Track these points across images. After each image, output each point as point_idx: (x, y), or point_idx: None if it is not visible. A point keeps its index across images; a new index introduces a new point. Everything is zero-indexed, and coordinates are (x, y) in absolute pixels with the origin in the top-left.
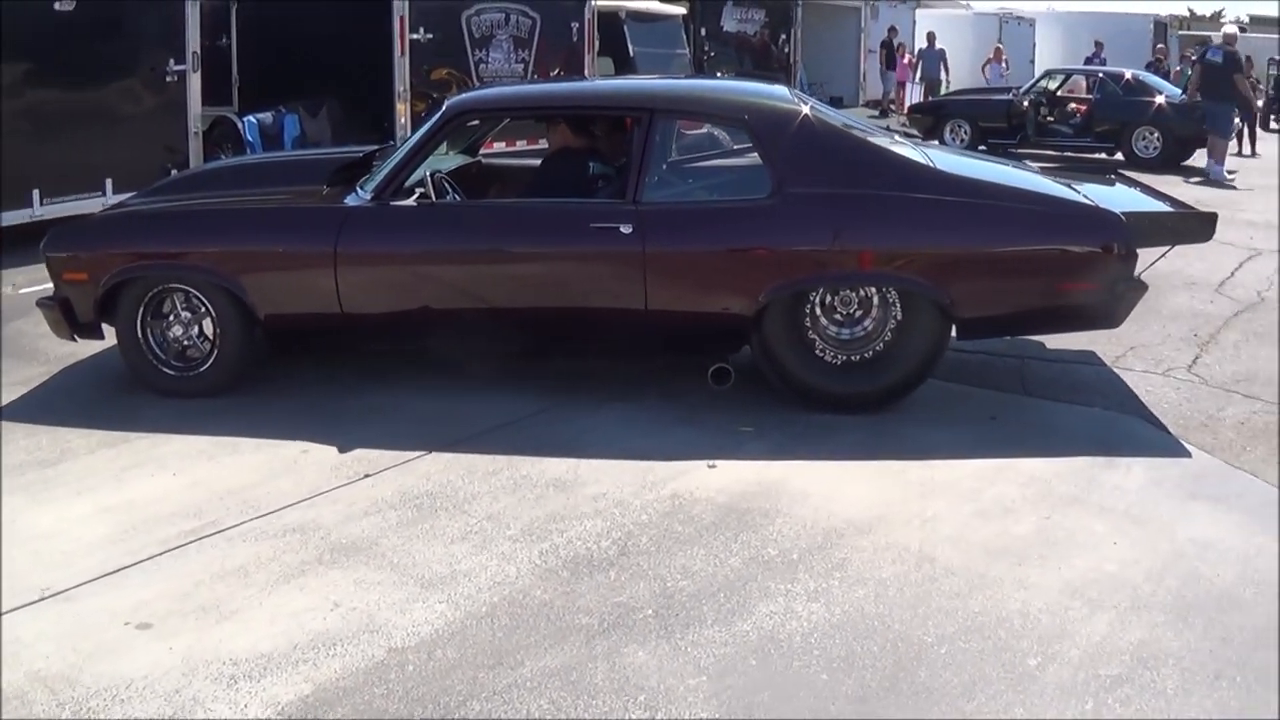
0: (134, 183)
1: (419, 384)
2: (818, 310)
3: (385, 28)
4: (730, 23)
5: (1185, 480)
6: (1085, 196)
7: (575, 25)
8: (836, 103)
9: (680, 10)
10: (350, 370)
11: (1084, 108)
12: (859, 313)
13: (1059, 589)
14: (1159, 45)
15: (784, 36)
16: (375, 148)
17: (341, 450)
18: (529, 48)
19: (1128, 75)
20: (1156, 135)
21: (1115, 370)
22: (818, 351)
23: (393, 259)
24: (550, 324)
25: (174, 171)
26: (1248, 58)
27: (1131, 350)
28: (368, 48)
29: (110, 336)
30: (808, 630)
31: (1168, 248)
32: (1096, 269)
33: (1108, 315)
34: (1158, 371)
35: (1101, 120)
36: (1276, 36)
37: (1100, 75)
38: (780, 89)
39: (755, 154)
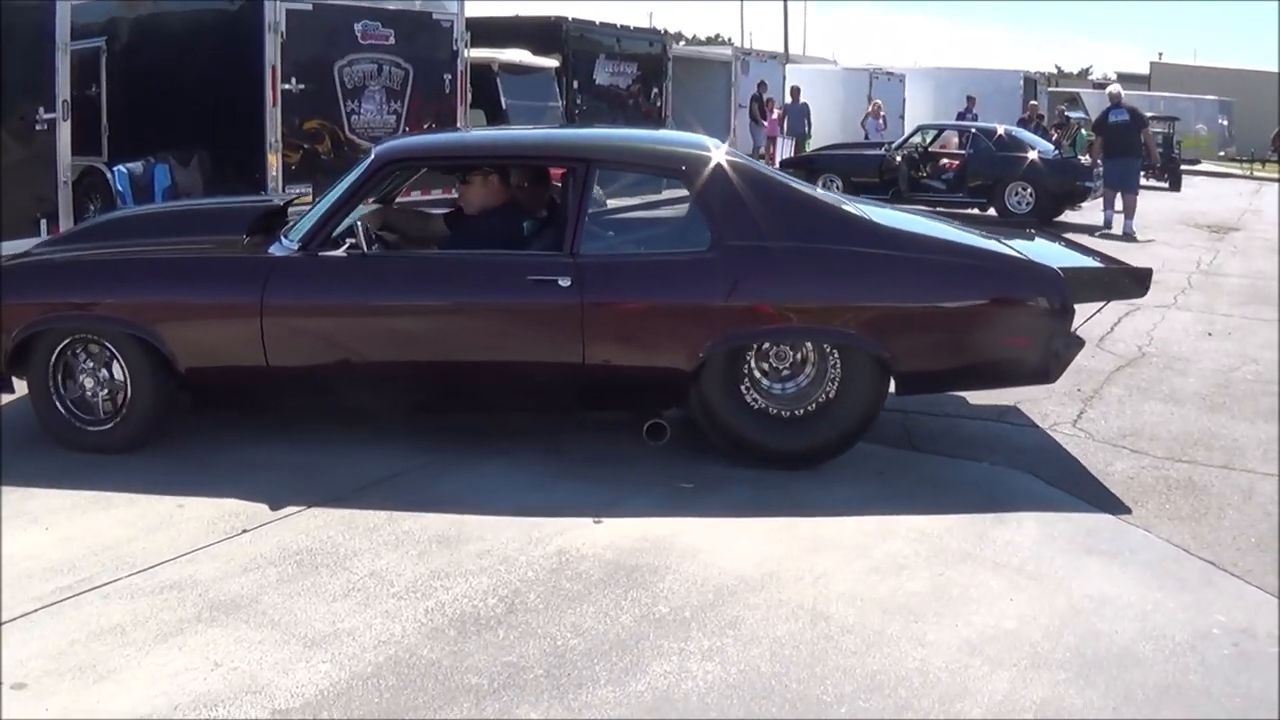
0: (2, 233)
1: (295, 437)
2: (755, 365)
3: (256, 77)
4: (602, 76)
5: (1078, 535)
6: (1019, 252)
7: (448, 77)
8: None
9: (553, 63)
10: (224, 423)
11: (956, 163)
12: (797, 368)
13: (957, 646)
14: (1032, 102)
15: (655, 90)
16: (293, 196)
17: (218, 505)
18: (401, 99)
19: (1000, 130)
20: (1029, 191)
21: (1001, 425)
22: (756, 407)
23: (322, 311)
24: (485, 378)
25: (44, 222)
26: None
27: (1016, 404)
28: (239, 97)
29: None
30: (704, 690)
31: (1102, 304)
32: (1034, 324)
33: (1044, 371)
34: (1043, 426)
35: (974, 175)
36: (1144, 93)
37: (973, 130)
38: (708, 139)
39: (692, 206)
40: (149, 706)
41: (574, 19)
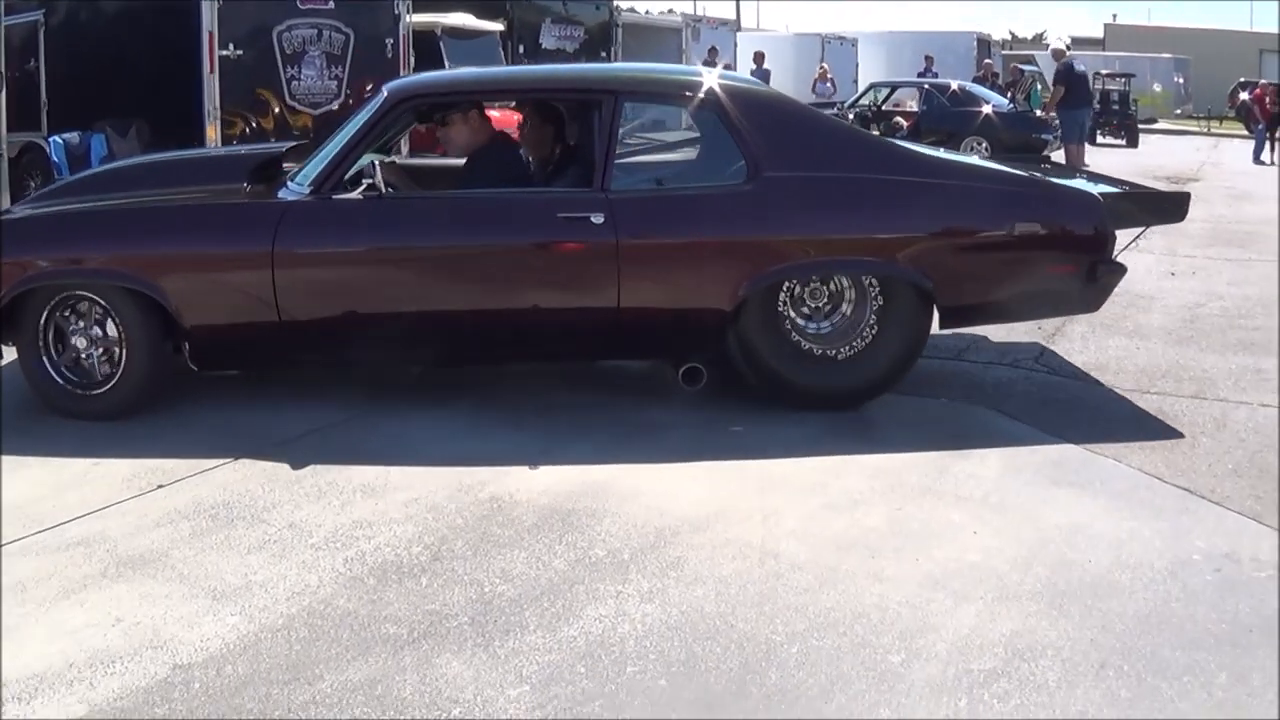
0: None
1: (217, 393)
2: (795, 302)
3: (194, 44)
4: (549, 40)
5: (1044, 467)
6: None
7: (390, 41)
8: (659, 124)
9: (498, 27)
10: None
11: (910, 120)
12: (837, 304)
13: (918, 581)
14: (985, 60)
15: (604, 55)
16: (293, 144)
17: (134, 463)
18: (343, 64)
19: (954, 86)
20: (985, 145)
21: (960, 363)
22: (799, 346)
23: (337, 258)
24: (514, 326)
25: None
26: None
27: (975, 344)
28: (177, 65)
29: None
30: (642, 633)
31: (1142, 229)
32: (1077, 251)
33: (1087, 299)
34: (1004, 363)
35: (929, 131)
36: (1099, 54)
37: (926, 86)
38: (735, 73)
39: (723, 137)
40: (42, 664)
41: None
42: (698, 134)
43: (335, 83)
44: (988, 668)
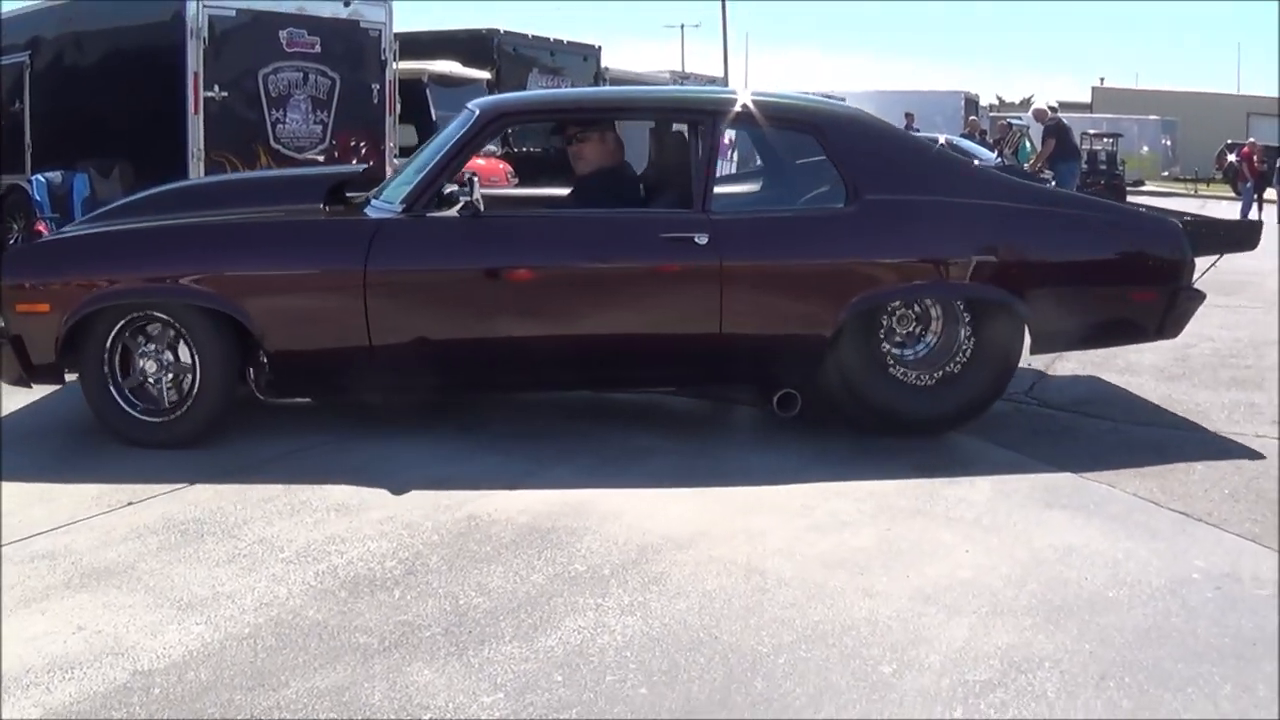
0: None
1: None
2: (890, 326)
3: (179, 85)
4: (535, 89)
5: (1036, 492)
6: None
7: (376, 87)
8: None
9: (485, 75)
10: None
11: None
12: (925, 328)
13: (909, 596)
14: (971, 118)
15: None
16: (367, 165)
17: (105, 480)
18: (328, 109)
19: (942, 140)
20: None
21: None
22: (894, 372)
23: (433, 278)
24: (616, 350)
25: None
26: None
27: None
28: (162, 106)
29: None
30: (622, 644)
31: (1217, 257)
32: (1161, 278)
33: (1168, 325)
34: None
35: None
36: (1087, 116)
37: None
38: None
39: (825, 160)
40: None
41: (506, 31)
42: (793, 156)
43: (320, 128)
44: (983, 679)
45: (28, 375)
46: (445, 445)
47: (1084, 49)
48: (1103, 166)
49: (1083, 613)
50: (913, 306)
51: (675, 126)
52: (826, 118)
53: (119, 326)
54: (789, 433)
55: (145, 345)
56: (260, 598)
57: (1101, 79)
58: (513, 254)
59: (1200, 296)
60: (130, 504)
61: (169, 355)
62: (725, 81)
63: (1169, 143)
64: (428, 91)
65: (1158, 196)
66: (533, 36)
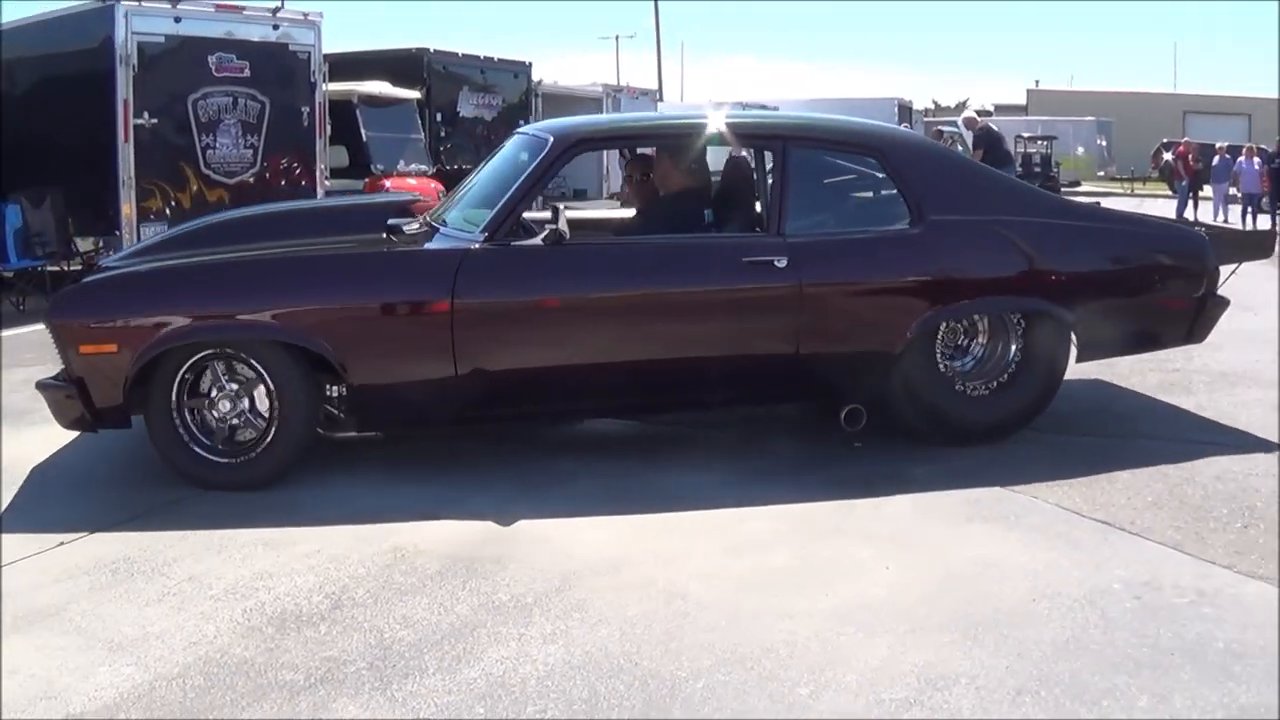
0: None
1: (127, 452)
2: (948, 340)
3: (109, 113)
4: (466, 108)
5: (957, 506)
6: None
7: (306, 109)
8: (580, 195)
9: (415, 95)
10: (38, 436)
11: None
12: (972, 339)
13: (827, 616)
14: (903, 125)
15: (521, 123)
16: (414, 197)
17: (36, 521)
18: (258, 132)
19: None
20: None
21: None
22: (954, 384)
23: (521, 307)
24: (701, 372)
25: None
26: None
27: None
28: (92, 134)
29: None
30: (543, 674)
31: (1236, 265)
32: (1191, 286)
33: (1196, 331)
34: None
35: None
36: (1022, 119)
37: None
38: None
39: (885, 183)
40: None
41: (436, 50)
42: (856, 179)
43: (251, 151)
44: (899, 697)
45: (92, 419)
46: (369, 477)
47: (1019, 52)
48: (1037, 169)
49: (1000, 627)
50: (963, 321)
51: (742, 151)
52: (888, 140)
53: (185, 366)
54: (709, 454)
55: (220, 383)
56: (189, 637)
57: (1036, 81)
58: (599, 281)
59: (1225, 303)
60: (62, 544)
61: (243, 393)
62: (660, 93)
63: (1104, 143)
64: (358, 112)
65: (1094, 196)
66: (463, 55)
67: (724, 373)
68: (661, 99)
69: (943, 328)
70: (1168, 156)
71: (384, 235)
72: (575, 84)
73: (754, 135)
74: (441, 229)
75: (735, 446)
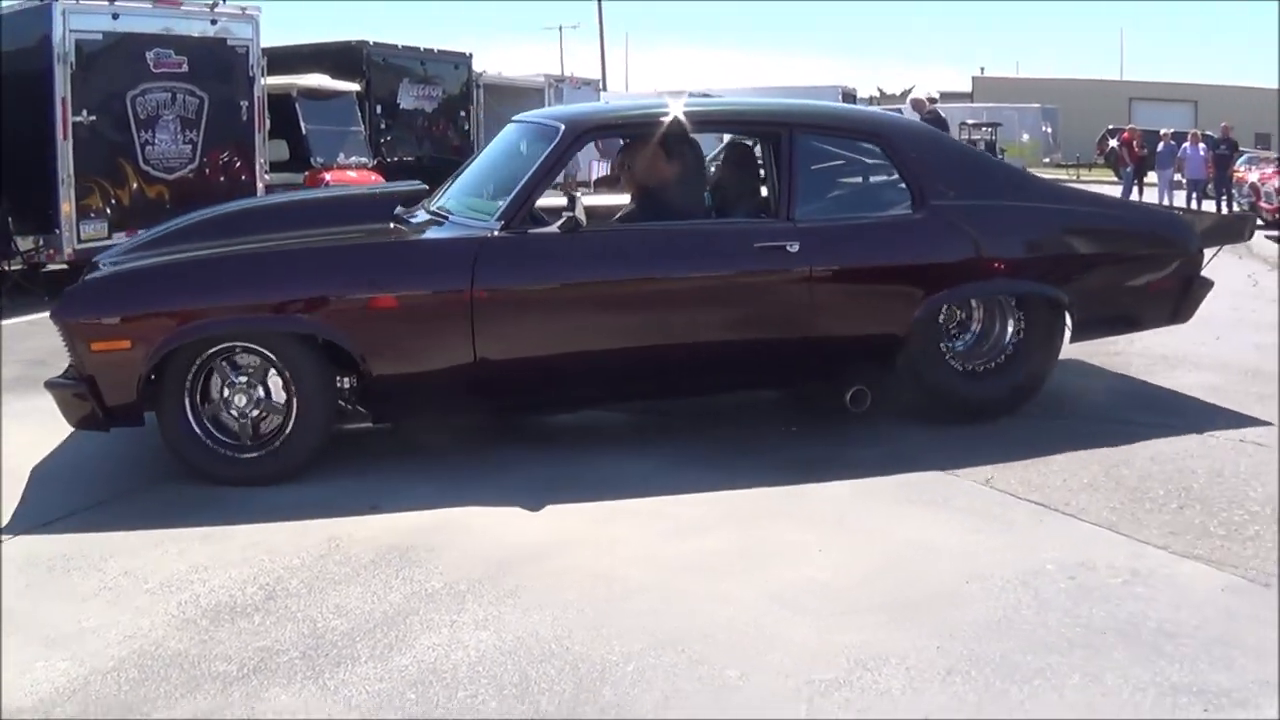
0: None
1: (61, 447)
2: (950, 322)
3: (47, 111)
4: (407, 100)
5: (895, 489)
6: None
7: (245, 104)
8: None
9: (354, 87)
10: None
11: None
12: (968, 321)
13: (760, 599)
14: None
15: (463, 114)
16: (417, 185)
17: None
18: (197, 128)
19: None
20: None
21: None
22: (955, 364)
23: (539, 294)
24: (715, 357)
25: None
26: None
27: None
28: (31, 133)
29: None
30: (475, 660)
31: (1216, 249)
32: (1179, 268)
33: (1182, 311)
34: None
35: None
36: (968, 105)
37: None
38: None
39: (887, 169)
40: None
41: (375, 42)
42: (859, 165)
43: (190, 147)
44: (829, 678)
45: (105, 417)
46: (307, 470)
47: (965, 39)
48: None
49: (933, 608)
50: (981, 301)
51: (744, 139)
52: (890, 126)
53: (199, 361)
54: (646, 441)
55: (234, 377)
56: (124, 631)
57: (982, 69)
58: (616, 267)
59: (1209, 284)
60: None
61: (251, 385)
62: (602, 83)
63: (1049, 129)
64: (297, 106)
65: None
66: (402, 47)
67: (738, 358)
68: (605, 89)
69: (945, 310)
70: (1113, 143)
71: (390, 225)
72: (518, 74)
73: (761, 122)
74: (451, 218)
75: (673, 433)
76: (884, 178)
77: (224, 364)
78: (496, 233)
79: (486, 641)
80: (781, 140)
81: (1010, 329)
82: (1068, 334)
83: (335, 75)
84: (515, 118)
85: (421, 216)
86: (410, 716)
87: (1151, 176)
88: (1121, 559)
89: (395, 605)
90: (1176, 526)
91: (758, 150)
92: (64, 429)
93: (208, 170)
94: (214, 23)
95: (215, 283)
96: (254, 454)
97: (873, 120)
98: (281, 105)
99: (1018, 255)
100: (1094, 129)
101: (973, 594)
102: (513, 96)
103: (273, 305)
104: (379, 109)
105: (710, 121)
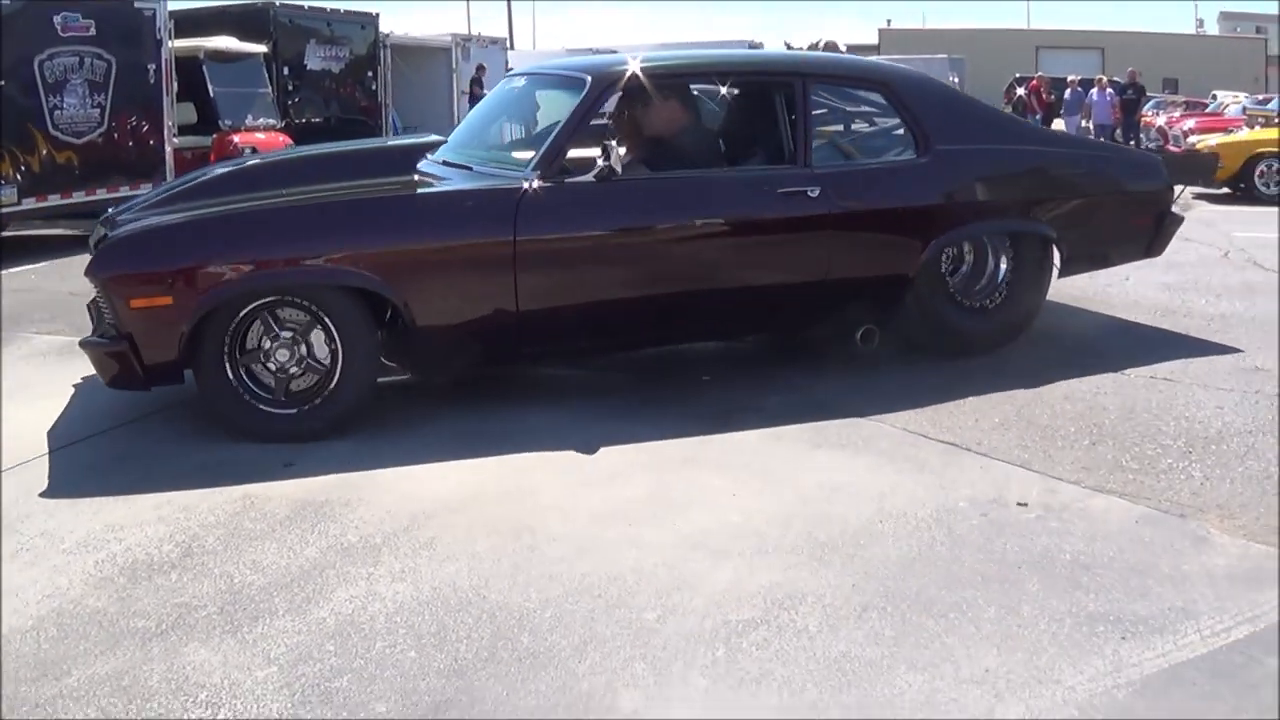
0: None
1: None
2: (952, 261)
3: None
4: (314, 61)
5: (807, 434)
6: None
7: (152, 67)
8: (411, 132)
9: (261, 49)
10: None
11: None
12: (985, 259)
13: (676, 544)
14: None
15: (370, 74)
16: (431, 138)
17: None
18: (105, 92)
19: (723, 91)
20: None
21: (723, 346)
22: (960, 301)
23: (579, 242)
24: (744, 303)
25: None
26: None
27: None
28: None
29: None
30: (392, 611)
31: (1183, 187)
32: (1152, 204)
33: (1155, 245)
34: (765, 347)
35: None
36: (874, 58)
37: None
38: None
39: (892, 116)
40: None
41: (281, 3)
42: (866, 112)
43: (98, 111)
44: (746, 618)
45: (144, 376)
46: (216, 430)
47: None
48: None
49: (847, 547)
50: (967, 242)
51: (754, 88)
52: (894, 75)
53: (239, 316)
54: (562, 394)
55: (273, 332)
56: (42, 590)
57: (889, 20)
58: (653, 214)
59: (1180, 219)
60: None
61: (298, 340)
62: (510, 41)
63: (956, 79)
64: (204, 68)
65: None
66: (309, 8)
67: (766, 300)
68: (512, 48)
69: (957, 249)
70: (1020, 91)
71: (414, 178)
72: (424, 35)
73: (776, 72)
74: (475, 168)
75: (587, 385)
76: (889, 124)
77: (269, 318)
78: (535, 182)
79: (403, 593)
80: (795, 90)
81: (1004, 267)
82: (1056, 270)
83: (242, 37)
84: (514, 71)
85: (440, 169)
86: (330, 666)
87: (1059, 124)
88: (1034, 495)
89: (311, 560)
90: (1089, 462)
91: (762, 100)
92: None
93: (116, 134)
94: None
95: (260, 236)
96: (295, 410)
97: (877, 69)
98: (189, 68)
99: (1013, 195)
100: (1002, 78)
101: (886, 532)
102: (420, 56)
103: (320, 257)
104: (286, 70)
105: (728, 72)
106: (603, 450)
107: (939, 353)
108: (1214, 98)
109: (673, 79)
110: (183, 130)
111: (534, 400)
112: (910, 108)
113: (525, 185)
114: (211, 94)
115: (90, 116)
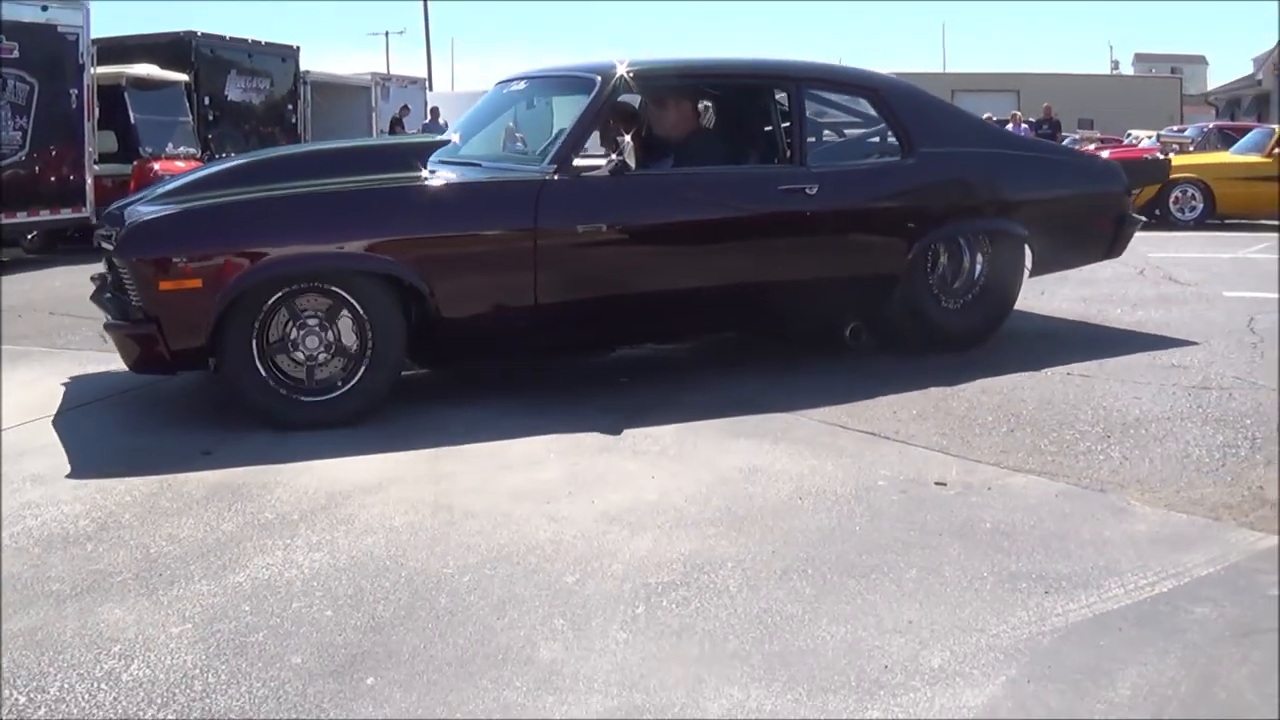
0: None
1: None
2: (933, 260)
3: None
4: (234, 92)
5: (724, 425)
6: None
7: (75, 92)
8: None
9: (182, 78)
10: None
11: None
12: (961, 259)
13: (594, 519)
14: None
15: (290, 108)
16: (434, 138)
17: None
18: (27, 114)
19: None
20: None
21: (639, 351)
22: (941, 299)
23: (596, 235)
24: (745, 296)
25: None
26: None
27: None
28: None
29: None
30: (309, 576)
31: (1138, 190)
32: (1113, 207)
33: (1116, 246)
34: (684, 347)
35: None
36: None
37: None
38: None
39: (876, 119)
40: None
41: (203, 34)
42: (853, 116)
43: (20, 134)
44: (666, 580)
45: (171, 360)
46: (135, 417)
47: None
48: None
49: (766, 520)
50: (949, 241)
51: (752, 91)
52: (879, 80)
53: (268, 303)
54: (481, 390)
55: (304, 319)
56: None
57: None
58: (666, 208)
59: (1138, 222)
60: None
61: (326, 327)
62: (429, 81)
63: None
64: (126, 95)
65: None
66: (230, 38)
67: (766, 296)
68: (431, 88)
69: (931, 248)
70: None
71: (433, 170)
72: (344, 74)
73: (769, 76)
74: (483, 165)
75: (506, 382)
76: (876, 127)
77: (296, 304)
78: (553, 175)
79: (320, 561)
80: (790, 93)
81: (979, 266)
82: (1027, 269)
83: (164, 66)
84: (509, 76)
85: (450, 167)
86: (246, 624)
87: None
88: (954, 474)
89: (228, 533)
90: (1007, 446)
91: (759, 102)
92: None
93: (36, 156)
94: (44, 9)
95: (291, 221)
96: (320, 397)
97: (865, 75)
98: (110, 95)
99: (992, 196)
100: None
101: (805, 507)
102: (340, 94)
103: (352, 245)
104: (207, 100)
105: (728, 75)
106: (520, 440)
107: (919, 349)
108: (1129, 135)
109: (683, 81)
110: (103, 158)
111: (443, 398)
112: (895, 112)
113: (544, 177)
114: (133, 121)
115: (12, 139)
